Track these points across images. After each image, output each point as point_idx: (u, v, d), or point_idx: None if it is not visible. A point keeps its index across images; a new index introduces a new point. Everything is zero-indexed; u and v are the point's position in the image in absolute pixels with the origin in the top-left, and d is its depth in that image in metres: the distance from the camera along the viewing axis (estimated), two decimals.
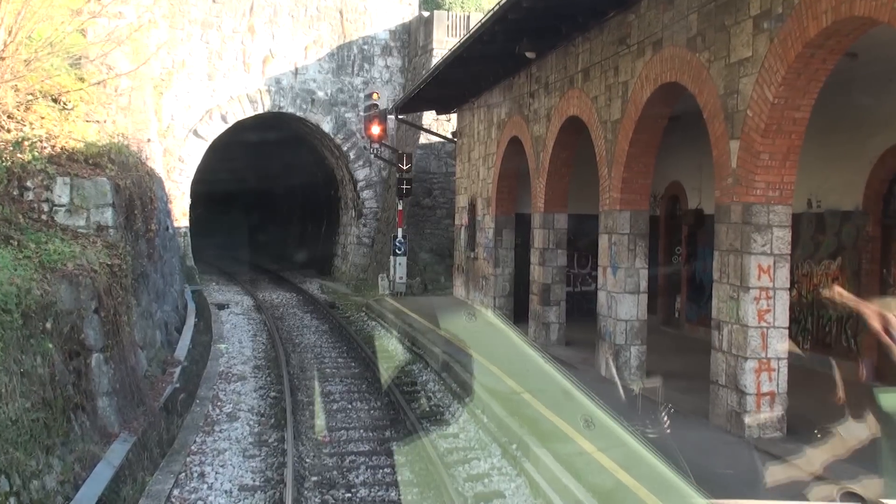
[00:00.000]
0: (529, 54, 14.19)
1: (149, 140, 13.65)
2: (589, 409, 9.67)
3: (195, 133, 27.19)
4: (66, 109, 11.71)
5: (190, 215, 27.76)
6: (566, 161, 14.75)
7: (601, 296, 12.41)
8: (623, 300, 11.90)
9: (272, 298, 25.55)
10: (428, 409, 11.68)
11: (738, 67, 9.01)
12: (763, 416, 8.80)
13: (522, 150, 16.49)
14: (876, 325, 6.70)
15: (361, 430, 10.76)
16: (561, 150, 14.59)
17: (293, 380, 13.48)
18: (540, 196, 15.19)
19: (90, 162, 11.19)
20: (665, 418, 9.82)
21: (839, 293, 8.88)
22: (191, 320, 17.87)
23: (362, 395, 12.65)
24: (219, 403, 12.00)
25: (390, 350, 16.16)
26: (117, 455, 8.90)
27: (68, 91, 11.66)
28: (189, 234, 27.18)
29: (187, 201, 27.26)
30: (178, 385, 12.15)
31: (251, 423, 11.09)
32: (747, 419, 8.78)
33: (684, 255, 16.91)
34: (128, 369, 10.21)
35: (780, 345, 8.81)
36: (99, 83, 12.35)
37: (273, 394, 12.65)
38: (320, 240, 35.71)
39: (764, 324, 8.79)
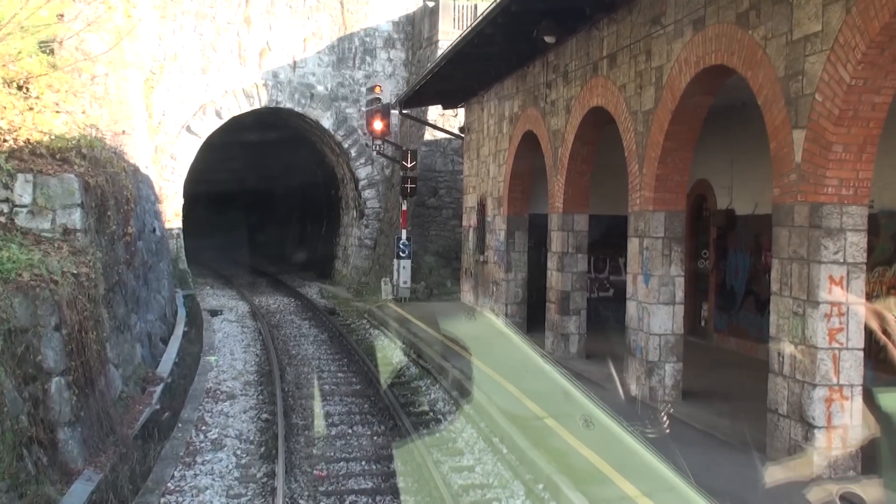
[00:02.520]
0: (549, 39, 12.88)
1: (124, 132, 12.35)
2: (626, 443, 8.40)
3: (188, 129, 25.90)
4: (32, 98, 10.43)
5: (183, 216, 26.47)
6: (587, 157, 13.46)
7: (631, 307, 11.12)
8: (657, 312, 10.61)
9: (269, 304, 24.26)
10: (438, 435, 10.39)
11: (803, 44, 7.71)
12: (835, 452, 7.50)
13: (537, 145, 15.22)
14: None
15: (363, 462, 9.45)
16: (582, 145, 13.30)
17: (287, 398, 12.19)
18: (558, 195, 13.90)
19: (57, 157, 9.90)
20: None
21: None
22: (179, 329, 16.58)
23: (364, 418, 11.35)
24: (203, 428, 10.70)
25: (394, 363, 14.85)
26: (78, 498, 7.62)
27: (33, 77, 10.38)
28: (182, 236, 25.88)
29: (180, 201, 25.95)
30: (157, 407, 10.88)
31: (238, 452, 9.79)
32: (816, 457, 7.49)
33: (713, 259, 15.60)
34: (96, 393, 8.93)
35: (855, 370, 7.51)
36: (64, 68, 11.05)
37: (265, 415, 11.35)
38: (320, 241, 34.42)
39: (836, 345, 7.49)
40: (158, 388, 11.54)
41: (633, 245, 11.12)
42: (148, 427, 10.12)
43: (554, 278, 14.06)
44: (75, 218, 9.64)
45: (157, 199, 21.00)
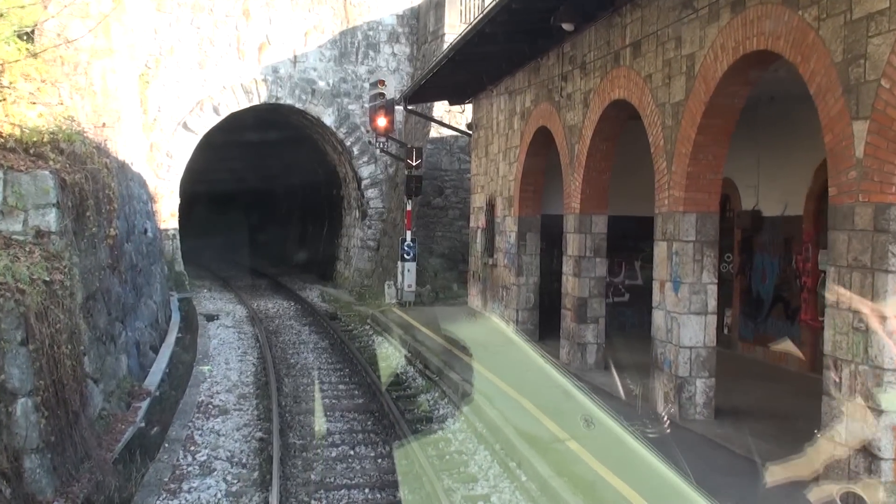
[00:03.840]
0: (566, 26, 11.97)
1: (104, 124, 11.46)
2: (660, 471, 7.50)
3: (185, 126, 25.01)
4: (5, 88, 9.54)
5: (181, 216, 25.58)
6: (607, 154, 12.56)
7: (657, 316, 10.21)
8: (687, 323, 9.71)
9: (268, 308, 23.36)
10: (448, 457, 9.49)
11: (865, 24, 6.80)
12: None
13: (551, 141, 14.32)
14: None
15: (366, 490, 8.54)
16: (601, 141, 12.39)
17: (284, 414, 11.30)
18: (575, 195, 12.99)
19: (31, 152, 9.01)
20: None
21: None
22: (172, 336, 15.71)
23: (367, 437, 10.45)
24: (192, 448, 9.81)
25: (399, 374, 13.95)
26: None
27: (7, 64, 9.49)
28: (178, 237, 24.98)
29: (176, 200, 25.03)
30: (142, 425, 9.98)
31: (229, 477, 8.89)
32: (882, 492, 6.58)
33: (737, 263, 14.68)
34: (69, 414, 8.03)
35: None
36: (42, 56, 10.15)
37: (259, 434, 10.46)
38: (321, 242, 33.52)
39: None
40: (144, 404, 10.65)
41: (660, 249, 10.21)
42: (130, 448, 9.23)
43: (570, 284, 13.15)
44: (50, 219, 8.74)
45: (151, 199, 20.13)
